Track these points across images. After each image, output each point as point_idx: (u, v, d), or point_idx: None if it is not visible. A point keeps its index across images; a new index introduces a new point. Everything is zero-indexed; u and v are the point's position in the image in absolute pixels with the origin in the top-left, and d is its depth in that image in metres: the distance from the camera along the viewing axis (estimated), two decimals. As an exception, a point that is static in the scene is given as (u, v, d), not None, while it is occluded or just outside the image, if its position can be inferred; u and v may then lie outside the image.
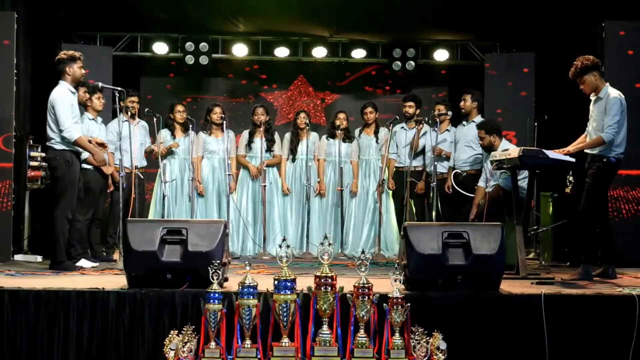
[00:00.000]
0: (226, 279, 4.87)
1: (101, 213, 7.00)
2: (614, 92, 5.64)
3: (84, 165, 6.44)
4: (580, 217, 5.78)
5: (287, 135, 7.92)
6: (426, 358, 4.11)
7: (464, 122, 7.40)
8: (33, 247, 7.31)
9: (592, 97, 5.77)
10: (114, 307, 4.52)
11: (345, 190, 7.77)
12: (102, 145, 6.31)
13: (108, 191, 6.98)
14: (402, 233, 4.87)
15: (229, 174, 7.51)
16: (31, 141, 7.39)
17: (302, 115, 7.83)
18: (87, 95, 6.75)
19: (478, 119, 7.32)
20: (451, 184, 7.23)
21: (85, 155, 6.32)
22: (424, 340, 4.14)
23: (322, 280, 4.22)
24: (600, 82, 5.69)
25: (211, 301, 4.13)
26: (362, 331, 4.21)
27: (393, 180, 7.78)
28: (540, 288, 4.87)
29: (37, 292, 4.55)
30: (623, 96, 5.65)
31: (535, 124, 7.83)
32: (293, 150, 7.83)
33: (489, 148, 6.64)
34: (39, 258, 6.88)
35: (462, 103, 7.39)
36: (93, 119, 6.83)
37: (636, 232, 6.90)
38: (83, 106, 6.72)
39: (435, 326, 4.31)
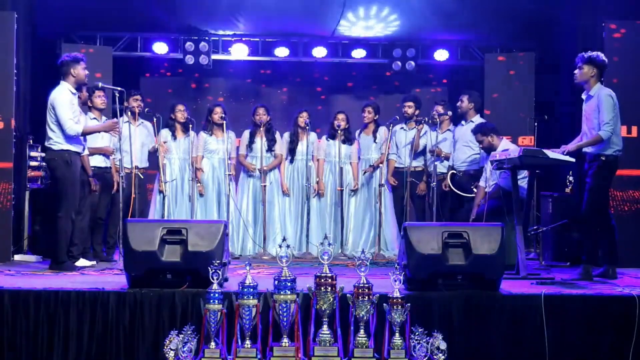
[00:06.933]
0: (226, 279, 4.87)
1: (104, 213, 6.99)
2: (605, 90, 5.67)
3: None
4: (582, 217, 5.78)
5: (287, 136, 7.91)
6: (426, 358, 4.12)
7: (462, 122, 7.44)
8: (33, 247, 7.30)
9: (583, 96, 5.79)
10: (114, 307, 4.52)
11: (345, 190, 7.77)
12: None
13: (112, 192, 6.94)
14: (402, 233, 4.87)
15: (229, 174, 7.52)
16: (31, 141, 7.38)
17: (304, 114, 7.83)
18: (87, 94, 6.75)
19: (476, 118, 7.36)
20: (448, 184, 7.27)
21: (85, 152, 6.33)
22: (424, 340, 4.14)
23: (322, 280, 4.22)
24: (593, 80, 5.72)
25: (211, 301, 4.14)
26: (362, 331, 4.21)
27: (393, 178, 7.78)
28: (540, 288, 4.87)
29: (37, 292, 4.56)
30: (614, 94, 5.68)
31: (535, 124, 7.84)
32: (292, 151, 7.83)
33: (489, 149, 6.67)
34: (39, 258, 6.88)
35: (459, 103, 7.46)
36: (95, 118, 6.83)
37: (636, 232, 6.89)
38: (86, 106, 6.73)
39: (435, 326, 4.32)
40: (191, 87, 9.91)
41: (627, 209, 6.98)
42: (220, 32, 9.43)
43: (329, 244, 4.30)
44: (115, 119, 6.28)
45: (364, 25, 8.92)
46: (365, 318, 4.21)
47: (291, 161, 7.85)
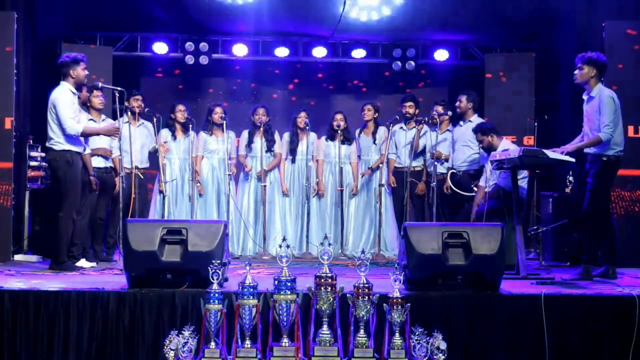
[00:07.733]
0: (226, 279, 4.87)
1: (104, 213, 6.99)
2: (606, 92, 5.68)
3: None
4: (583, 217, 5.78)
5: (286, 136, 7.92)
6: (426, 358, 4.12)
7: (461, 122, 7.44)
8: (33, 247, 7.30)
9: (584, 97, 5.79)
10: (114, 307, 4.52)
11: (345, 190, 7.77)
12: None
13: (114, 192, 6.93)
14: (402, 233, 4.87)
15: (229, 174, 7.52)
16: (31, 141, 7.38)
17: (303, 114, 7.83)
18: (87, 94, 6.76)
19: (475, 118, 7.36)
20: (449, 185, 7.26)
21: (87, 152, 6.33)
22: (424, 340, 4.14)
23: (322, 280, 4.21)
24: (594, 81, 5.72)
25: (211, 301, 4.13)
26: (362, 331, 4.21)
27: (394, 177, 7.78)
28: (540, 288, 4.87)
29: (37, 292, 4.56)
30: (615, 95, 5.69)
31: (535, 124, 7.84)
32: (293, 151, 7.83)
33: (489, 149, 6.67)
34: (39, 258, 6.88)
35: (457, 103, 7.46)
36: (92, 119, 6.82)
37: (636, 232, 6.90)
38: (86, 107, 6.73)
39: (435, 326, 4.31)
40: (191, 87, 9.89)
41: (638, 210, 6.98)
42: (220, 32, 9.43)
43: (329, 244, 4.30)
44: (116, 124, 6.27)
45: (366, 4, 8.66)
46: (365, 318, 4.21)
47: (292, 161, 7.86)
